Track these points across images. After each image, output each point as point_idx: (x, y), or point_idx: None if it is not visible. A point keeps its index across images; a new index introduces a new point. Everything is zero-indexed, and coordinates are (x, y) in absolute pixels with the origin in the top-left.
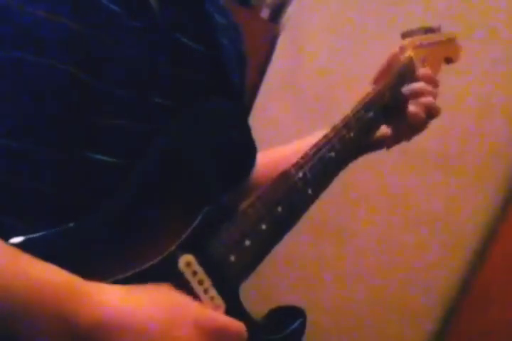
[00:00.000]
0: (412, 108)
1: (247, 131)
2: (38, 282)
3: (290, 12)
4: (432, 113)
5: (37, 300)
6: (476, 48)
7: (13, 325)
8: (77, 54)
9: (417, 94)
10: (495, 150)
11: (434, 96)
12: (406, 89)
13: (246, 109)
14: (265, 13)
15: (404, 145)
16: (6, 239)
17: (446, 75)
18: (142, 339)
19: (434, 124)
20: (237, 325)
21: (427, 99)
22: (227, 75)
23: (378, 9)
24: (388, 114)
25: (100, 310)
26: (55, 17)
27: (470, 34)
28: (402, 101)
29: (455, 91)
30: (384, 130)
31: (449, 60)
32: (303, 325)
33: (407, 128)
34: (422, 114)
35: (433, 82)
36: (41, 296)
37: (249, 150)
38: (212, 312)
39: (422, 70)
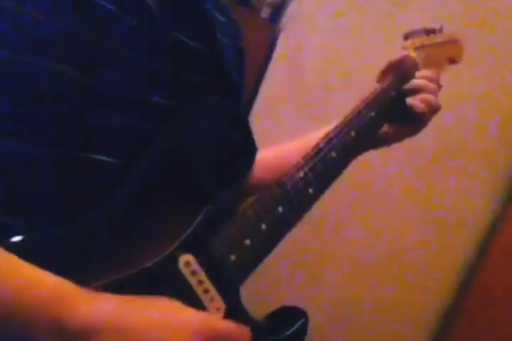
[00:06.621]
0: (413, 102)
1: (246, 129)
2: (31, 285)
3: (290, 12)
4: (432, 108)
5: (29, 302)
6: (475, 47)
7: (5, 326)
8: (76, 54)
9: (417, 90)
10: (495, 149)
11: (435, 93)
12: (407, 85)
13: (245, 107)
14: (265, 13)
15: (403, 143)
16: (7, 238)
17: (445, 74)
18: None
19: (433, 123)
20: (241, 331)
21: (427, 95)
22: (226, 74)
23: (379, 9)
24: (390, 112)
25: (90, 313)
26: (54, 18)
27: (470, 33)
28: (403, 99)
29: (454, 90)
30: (386, 127)
31: (452, 61)
32: (305, 326)
33: (410, 124)
34: (424, 108)
35: (433, 81)
36: (34, 298)
37: (249, 148)
38: (213, 320)
39: (423, 71)
